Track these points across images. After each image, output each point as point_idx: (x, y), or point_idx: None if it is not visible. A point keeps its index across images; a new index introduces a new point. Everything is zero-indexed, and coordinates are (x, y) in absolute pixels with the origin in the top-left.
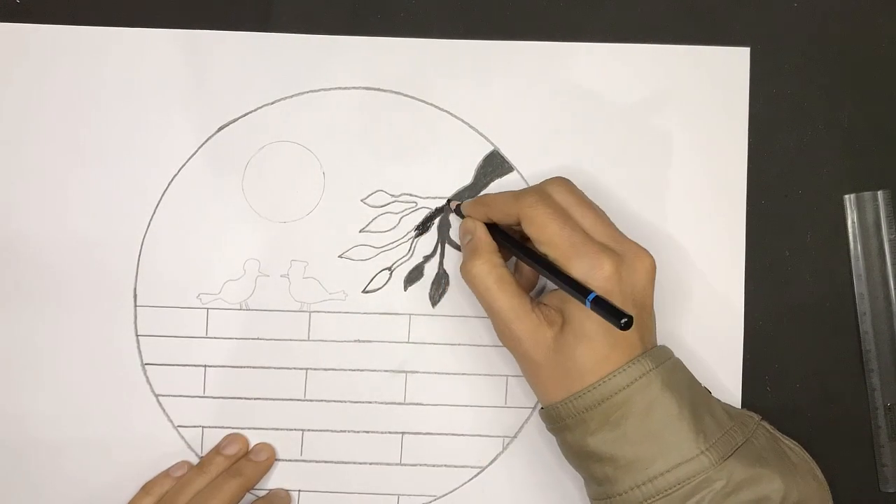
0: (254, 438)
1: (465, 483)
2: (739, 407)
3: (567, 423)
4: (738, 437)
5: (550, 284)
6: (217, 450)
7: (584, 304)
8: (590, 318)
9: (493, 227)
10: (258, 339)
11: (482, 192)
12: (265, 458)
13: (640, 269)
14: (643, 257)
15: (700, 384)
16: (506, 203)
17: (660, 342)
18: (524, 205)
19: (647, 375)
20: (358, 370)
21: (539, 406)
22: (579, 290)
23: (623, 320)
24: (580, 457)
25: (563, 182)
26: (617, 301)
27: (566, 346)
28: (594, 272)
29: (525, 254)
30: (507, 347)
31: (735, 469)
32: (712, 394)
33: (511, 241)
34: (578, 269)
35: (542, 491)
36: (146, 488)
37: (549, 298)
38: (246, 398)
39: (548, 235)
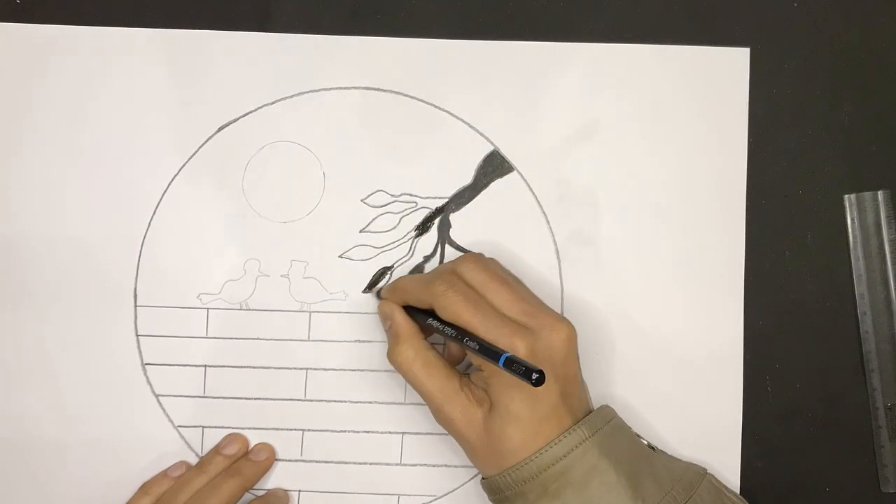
0: (254, 438)
1: (465, 483)
2: (740, 406)
3: (506, 494)
4: (679, 498)
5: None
6: (217, 450)
7: (497, 365)
8: (514, 398)
9: (412, 307)
10: (258, 339)
11: (480, 195)
12: (265, 458)
13: (557, 342)
14: (559, 329)
15: (642, 444)
16: (418, 289)
17: (659, 344)
18: (435, 294)
19: (583, 444)
20: (358, 370)
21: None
22: (491, 354)
23: (535, 376)
24: None
25: (473, 260)
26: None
27: (495, 426)
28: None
29: (440, 325)
30: (443, 427)
31: None
32: (657, 449)
33: (428, 322)
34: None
35: None
36: (144, 488)
37: (476, 378)
38: (246, 398)
39: (461, 322)
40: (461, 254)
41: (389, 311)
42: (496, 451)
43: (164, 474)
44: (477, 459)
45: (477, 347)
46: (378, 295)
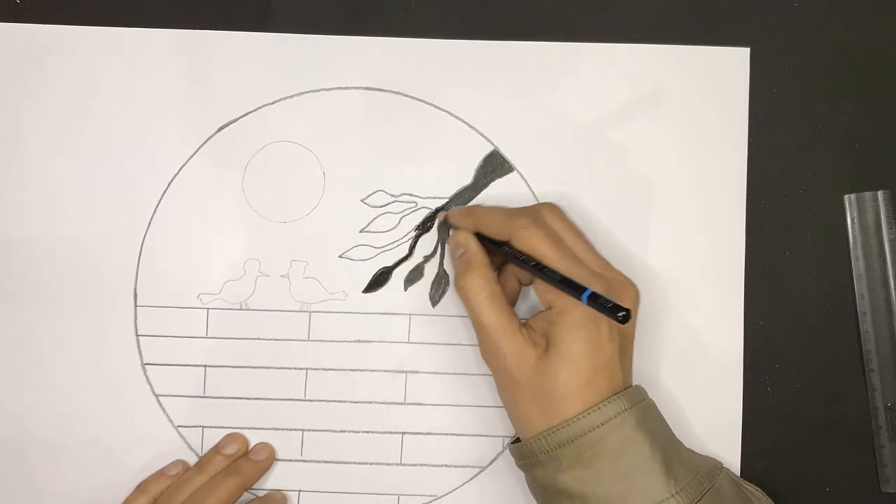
0: (254, 438)
1: (465, 483)
2: (741, 406)
3: (539, 458)
4: (705, 483)
5: (535, 307)
6: (216, 449)
7: (580, 300)
8: (577, 339)
9: (480, 236)
10: (258, 339)
11: (480, 195)
12: (264, 458)
13: (627, 299)
14: (629, 287)
15: (670, 428)
16: (498, 220)
17: (659, 344)
18: (517, 225)
19: (622, 415)
20: (358, 370)
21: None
22: (574, 287)
23: (621, 313)
24: (549, 494)
25: (554, 208)
26: (603, 329)
27: (550, 368)
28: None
29: (519, 255)
30: (490, 366)
31: None
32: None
33: (504, 250)
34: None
35: None
36: (141, 487)
37: (535, 321)
38: (246, 398)
39: (539, 258)
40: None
41: (464, 240)
42: (545, 394)
43: (161, 473)
44: (518, 406)
45: (559, 279)
46: (444, 220)
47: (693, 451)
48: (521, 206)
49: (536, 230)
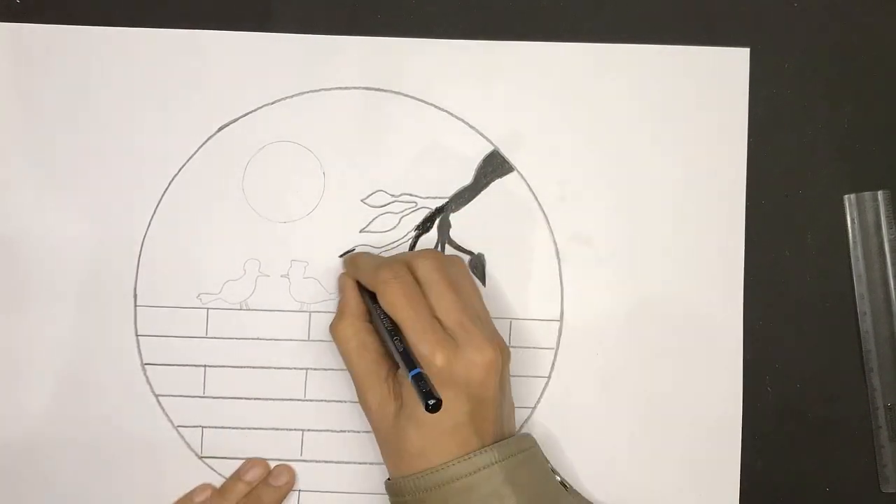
0: (254, 438)
1: None
2: (740, 406)
3: (406, 499)
4: None
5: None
6: (238, 475)
7: (407, 376)
8: (419, 405)
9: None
10: (258, 339)
11: (480, 195)
12: (284, 483)
13: (478, 362)
14: (484, 351)
15: (555, 481)
16: (367, 272)
17: (658, 345)
18: (379, 280)
19: (489, 468)
20: None
21: (542, 409)
22: (407, 361)
23: (431, 402)
24: None
25: (430, 257)
26: (449, 393)
27: (400, 425)
28: (426, 361)
29: (379, 313)
30: (364, 411)
31: None
32: (570, 488)
33: (373, 305)
34: (417, 355)
35: None
36: None
37: (400, 373)
38: (246, 398)
39: (395, 314)
40: (462, 254)
41: (342, 285)
42: (398, 450)
43: (188, 498)
44: (383, 455)
45: (401, 349)
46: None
47: (587, 502)
48: (515, 211)
49: (396, 287)
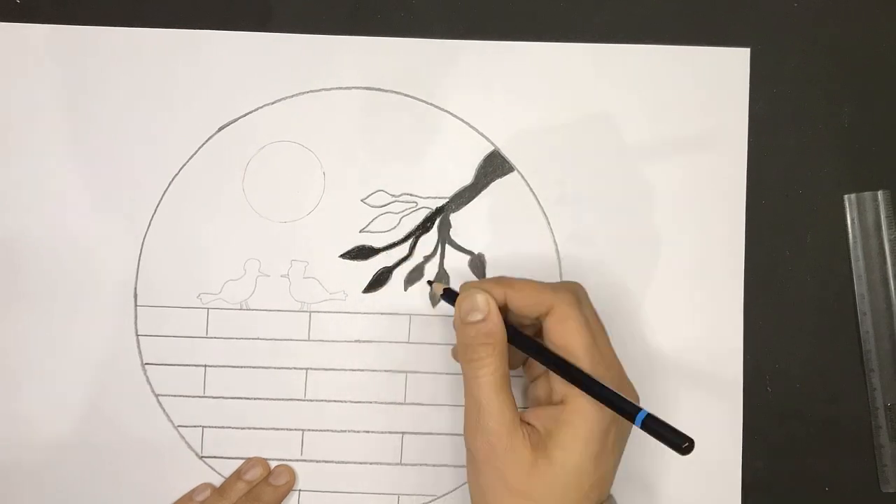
0: (254, 438)
1: (466, 483)
2: (741, 406)
3: None
4: None
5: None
6: (238, 475)
7: (634, 423)
8: (584, 453)
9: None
10: (258, 339)
11: (480, 195)
12: (284, 483)
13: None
14: (632, 389)
15: None
16: (538, 292)
17: (659, 344)
18: (561, 300)
19: None
20: (358, 370)
21: None
22: (623, 405)
23: (685, 444)
24: None
25: (583, 290)
26: (610, 442)
27: (548, 476)
28: (604, 407)
29: (541, 352)
30: (472, 448)
31: None
32: None
33: (524, 340)
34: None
35: None
36: None
37: (536, 416)
38: (246, 398)
39: (573, 346)
40: (462, 254)
41: (485, 306)
42: (534, 499)
43: (188, 498)
44: (491, 499)
45: (604, 394)
46: (447, 296)
47: None
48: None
49: (576, 311)
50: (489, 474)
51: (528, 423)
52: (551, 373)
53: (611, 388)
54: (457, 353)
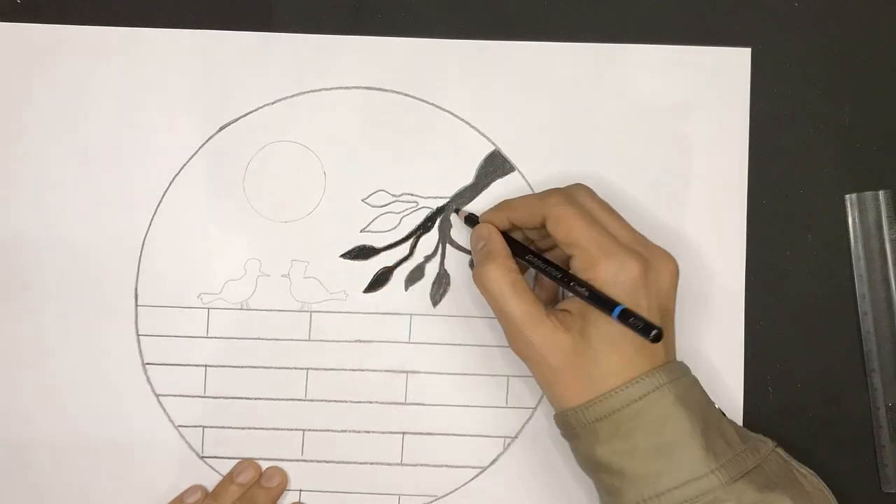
0: (254, 438)
1: (466, 483)
2: (741, 406)
3: (577, 431)
4: (749, 461)
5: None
6: (230, 477)
7: (611, 316)
8: (613, 322)
9: (510, 241)
10: (258, 339)
11: (481, 195)
12: (276, 484)
13: (665, 273)
14: (668, 261)
15: (714, 406)
16: (530, 203)
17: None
18: (550, 203)
19: (660, 389)
20: (358, 370)
21: (543, 409)
22: (605, 302)
23: (653, 332)
24: (589, 465)
25: (585, 188)
26: (643, 304)
27: (588, 349)
28: (621, 274)
29: (544, 265)
30: (520, 355)
31: (745, 491)
32: (727, 416)
33: (530, 252)
34: (605, 271)
35: (543, 491)
36: None
37: (571, 304)
38: (246, 398)
39: (574, 236)
40: (463, 254)
41: (486, 232)
42: (584, 374)
43: (179, 500)
44: (557, 388)
45: (587, 294)
46: (469, 220)
47: (744, 430)
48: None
49: (570, 208)
50: (537, 366)
51: (565, 310)
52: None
53: (590, 281)
54: (476, 280)
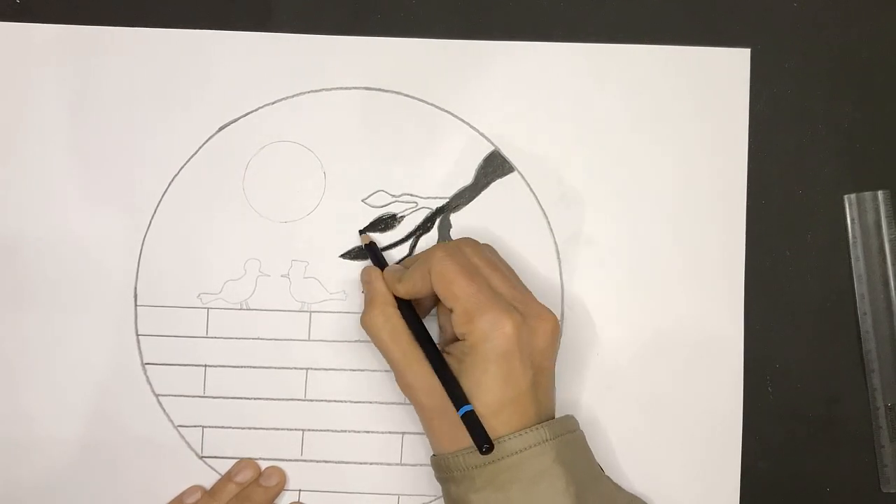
0: (254, 438)
1: None
2: (741, 406)
3: (454, 475)
4: None
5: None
6: (228, 477)
7: (458, 413)
8: (484, 374)
9: (406, 307)
10: (258, 338)
11: (480, 195)
12: (274, 483)
13: (542, 331)
14: (546, 319)
15: (596, 464)
16: (416, 261)
17: (660, 344)
18: (434, 259)
19: (541, 445)
20: (358, 370)
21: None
22: (457, 397)
23: (484, 446)
24: None
25: (472, 242)
26: (515, 362)
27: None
28: (494, 331)
29: (422, 341)
30: (405, 394)
31: None
32: (605, 473)
33: (415, 327)
34: (479, 328)
35: None
36: None
37: (454, 348)
38: (246, 398)
39: (453, 291)
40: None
41: (368, 277)
42: (454, 421)
43: (179, 501)
44: (432, 431)
45: (447, 377)
46: (367, 248)
47: (621, 490)
48: (515, 211)
49: (451, 263)
50: (416, 407)
51: (448, 353)
52: (454, 317)
53: (469, 340)
54: (361, 323)
